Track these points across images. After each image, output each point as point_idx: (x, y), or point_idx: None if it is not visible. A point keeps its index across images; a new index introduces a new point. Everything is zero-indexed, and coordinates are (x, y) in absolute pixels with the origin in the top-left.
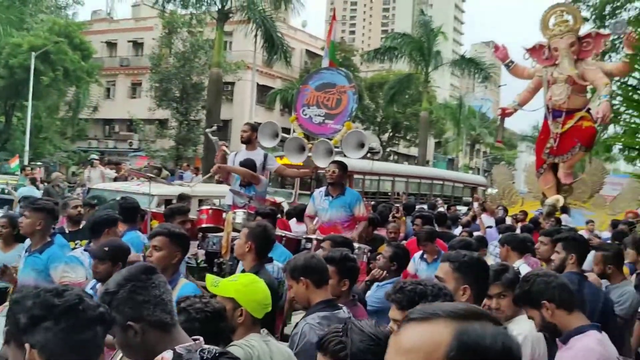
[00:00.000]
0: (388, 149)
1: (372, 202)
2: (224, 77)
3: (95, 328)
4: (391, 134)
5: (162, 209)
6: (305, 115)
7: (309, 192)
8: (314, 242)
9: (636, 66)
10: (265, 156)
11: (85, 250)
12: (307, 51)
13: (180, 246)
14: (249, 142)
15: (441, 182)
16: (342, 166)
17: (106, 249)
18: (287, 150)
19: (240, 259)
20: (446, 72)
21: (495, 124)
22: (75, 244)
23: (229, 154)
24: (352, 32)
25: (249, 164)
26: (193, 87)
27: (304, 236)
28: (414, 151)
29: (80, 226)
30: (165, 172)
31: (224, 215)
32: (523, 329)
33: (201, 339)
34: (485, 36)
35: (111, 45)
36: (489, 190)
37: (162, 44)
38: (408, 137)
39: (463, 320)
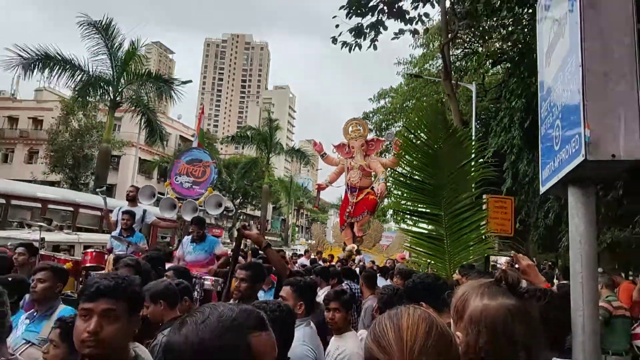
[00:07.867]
0: (239, 211)
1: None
2: (112, 151)
3: None
4: (242, 200)
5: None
6: (177, 181)
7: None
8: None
9: (400, 162)
10: (144, 211)
11: None
12: (180, 136)
13: (61, 279)
14: (134, 200)
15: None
16: (200, 224)
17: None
18: (161, 208)
19: None
20: (282, 157)
21: (314, 195)
22: None
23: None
24: (215, 125)
25: (131, 213)
26: (84, 157)
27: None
28: (257, 212)
29: None
30: (54, 222)
31: (105, 257)
32: (348, 345)
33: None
34: (311, 134)
35: (12, 119)
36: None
37: (59, 122)
38: (254, 203)
39: None
